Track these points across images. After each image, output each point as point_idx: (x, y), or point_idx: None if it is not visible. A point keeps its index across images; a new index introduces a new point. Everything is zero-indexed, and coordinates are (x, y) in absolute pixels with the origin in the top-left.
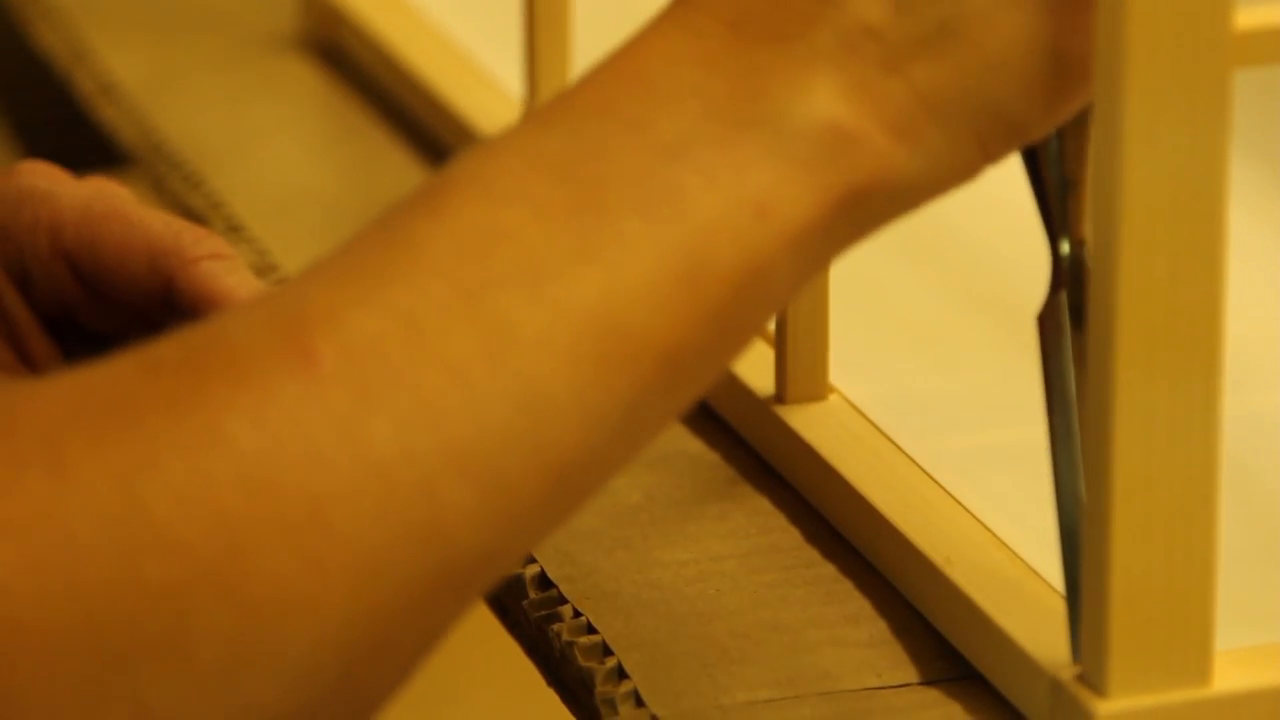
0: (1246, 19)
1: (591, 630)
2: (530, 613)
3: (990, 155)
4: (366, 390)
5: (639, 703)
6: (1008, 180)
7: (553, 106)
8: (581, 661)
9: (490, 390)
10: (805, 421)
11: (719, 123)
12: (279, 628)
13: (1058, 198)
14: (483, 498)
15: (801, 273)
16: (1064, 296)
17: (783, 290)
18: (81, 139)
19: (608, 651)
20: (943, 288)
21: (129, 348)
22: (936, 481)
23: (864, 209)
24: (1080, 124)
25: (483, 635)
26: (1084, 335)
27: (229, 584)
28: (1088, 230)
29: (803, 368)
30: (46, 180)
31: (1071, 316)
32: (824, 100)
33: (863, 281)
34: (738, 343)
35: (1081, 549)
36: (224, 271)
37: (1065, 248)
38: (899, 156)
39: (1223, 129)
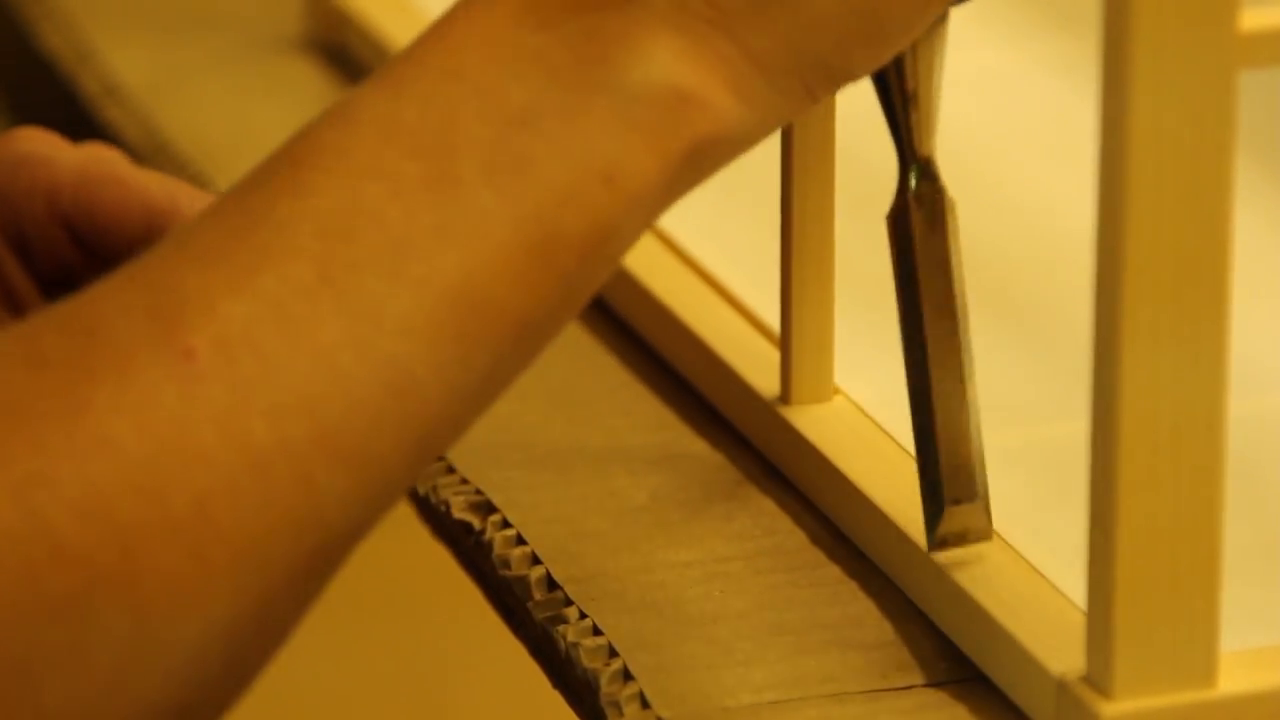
0: (1252, 20)
1: (597, 632)
2: (535, 614)
3: (817, 99)
4: (241, 383)
5: (644, 704)
6: (1011, 183)
7: (405, 64)
8: (587, 663)
9: (358, 375)
10: (810, 423)
11: (564, 90)
12: (169, 625)
13: (902, 112)
14: (355, 479)
15: (642, 227)
16: (912, 202)
17: (625, 246)
18: (86, 140)
19: (613, 653)
20: None
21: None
22: None
23: (702, 163)
24: (919, 41)
25: (487, 637)
26: (932, 238)
27: (123, 588)
28: (935, 150)
29: (807, 369)
30: (42, 145)
31: (919, 222)
32: (664, 63)
33: (867, 283)
34: (583, 301)
35: (934, 439)
36: None
37: (913, 163)
38: (736, 113)
39: (1228, 131)
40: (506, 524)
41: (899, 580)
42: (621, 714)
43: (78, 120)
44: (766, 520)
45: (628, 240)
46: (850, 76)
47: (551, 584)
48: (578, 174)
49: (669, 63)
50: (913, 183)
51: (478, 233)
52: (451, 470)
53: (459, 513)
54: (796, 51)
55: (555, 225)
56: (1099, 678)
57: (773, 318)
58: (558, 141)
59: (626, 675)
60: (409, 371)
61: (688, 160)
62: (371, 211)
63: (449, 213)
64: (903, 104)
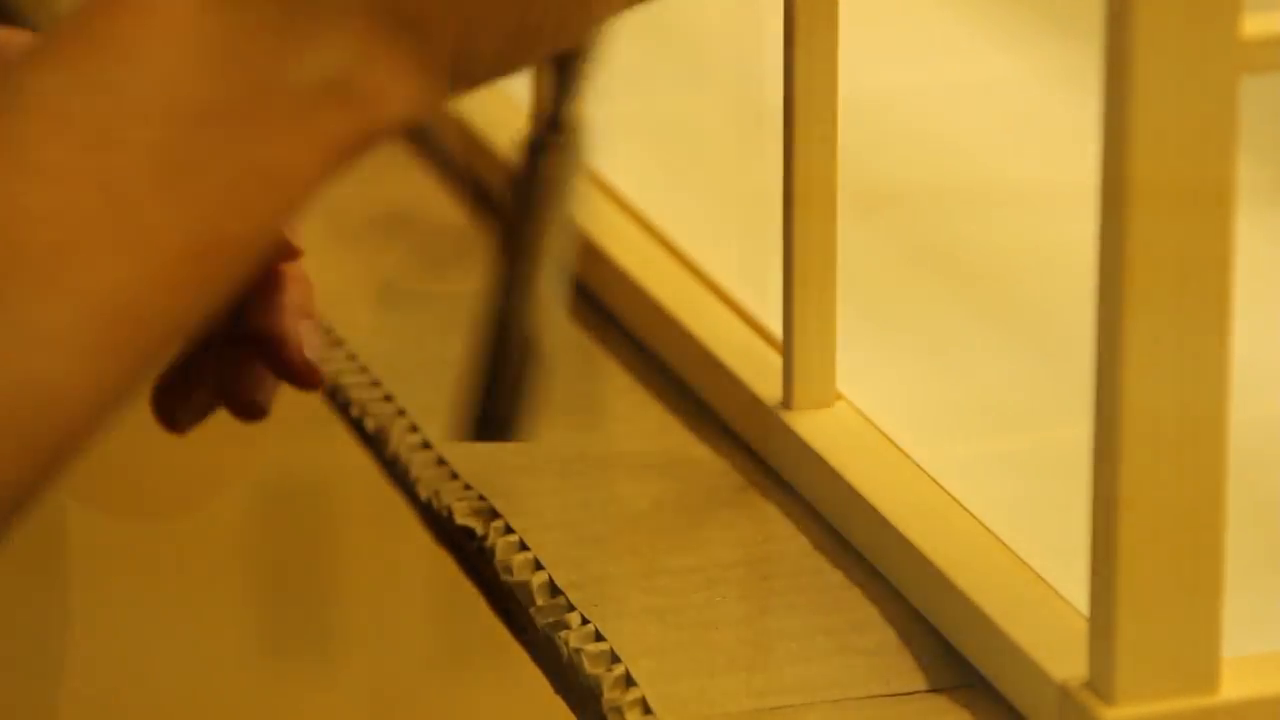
0: (1254, 26)
1: (599, 638)
2: (538, 620)
3: (465, 93)
4: None
5: (646, 710)
6: (1013, 189)
7: (77, 37)
8: (589, 669)
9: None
10: (812, 428)
11: (238, 86)
12: None
13: (552, 70)
14: None
15: (292, 219)
16: (548, 144)
17: (275, 235)
18: None
19: (615, 659)
20: (949, 294)
21: None
22: (943, 488)
23: (357, 156)
24: None
25: (489, 643)
26: (556, 181)
27: None
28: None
29: (810, 374)
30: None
31: (549, 171)
32: (335, 56)
33: (869, 288)
34: (229, 295)
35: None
36: None
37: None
38: (399, 111)
39: (1230, 136)
40: (509, 530)
41: (901, 586)
42: None
43: None
44: (769, 526)
45: (282, 228)
46: (503, 76)
47: (554, 590)
48: (243, 178)
49: (338, 55)
50: (551, 135)
51: (142, 241)
52: (454, 476)
53: (461, 518)
54: (464, 54)
55: (218, 231)
56: (1101, 683)
57: (775, 323)
58: (227, 144)
59: (629, 681)
60: (57, 388)
61: (347, 156)
62: (34, 214)
63: (113, 219)
64: (553, 62)
